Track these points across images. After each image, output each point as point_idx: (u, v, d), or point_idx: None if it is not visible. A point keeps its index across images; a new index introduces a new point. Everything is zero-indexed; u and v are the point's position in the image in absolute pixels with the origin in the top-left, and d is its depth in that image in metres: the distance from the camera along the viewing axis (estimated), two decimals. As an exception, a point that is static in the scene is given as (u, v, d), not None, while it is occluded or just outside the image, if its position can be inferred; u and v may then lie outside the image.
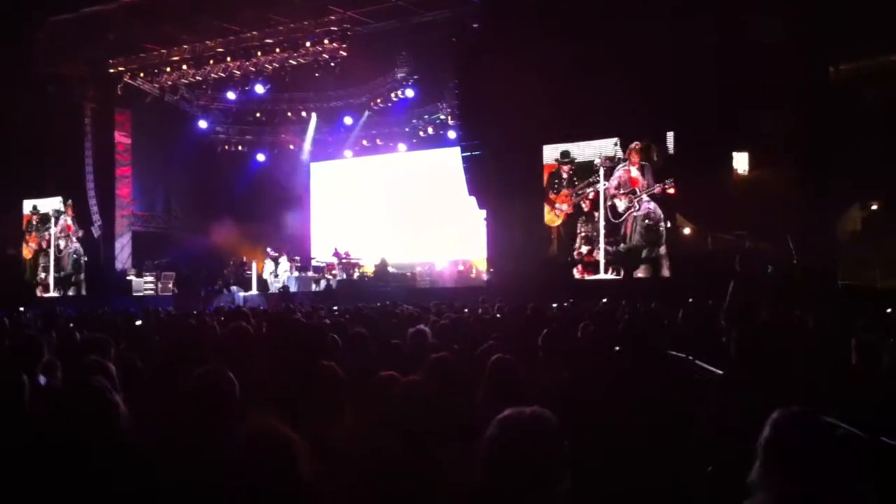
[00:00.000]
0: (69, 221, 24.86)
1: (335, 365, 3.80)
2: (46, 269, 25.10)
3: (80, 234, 24.61)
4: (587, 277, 18.56)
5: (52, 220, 25.21)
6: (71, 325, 10.04)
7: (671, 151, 17.70)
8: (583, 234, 18.68)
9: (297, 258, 24.69)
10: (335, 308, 13.58)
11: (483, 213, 20.21)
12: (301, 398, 3.58)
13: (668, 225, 17.80)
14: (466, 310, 11.27)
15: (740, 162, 17.44)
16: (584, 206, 18.73)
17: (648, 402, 4.28)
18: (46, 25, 20.78)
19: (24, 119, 21.56)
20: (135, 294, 23.02)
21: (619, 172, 18.26)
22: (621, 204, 18.24)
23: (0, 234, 25.56)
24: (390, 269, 22.63)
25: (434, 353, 4.54)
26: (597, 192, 18.55)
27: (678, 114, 16.84)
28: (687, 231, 18.16)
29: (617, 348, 5.76)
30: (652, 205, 17.93)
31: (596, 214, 18.56)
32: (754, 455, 2.49)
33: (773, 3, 15.81)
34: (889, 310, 8.35)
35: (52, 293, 24.79)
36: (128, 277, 23.84)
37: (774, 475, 2.42)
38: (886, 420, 3.48)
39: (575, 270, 18.70)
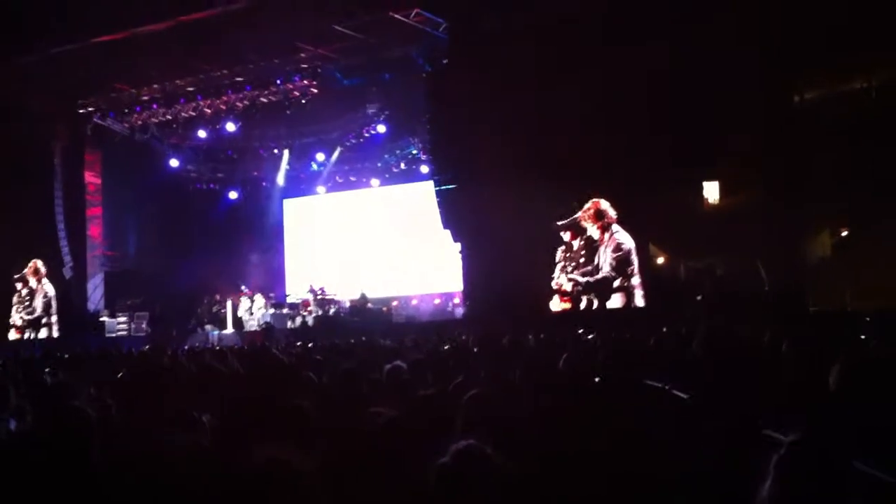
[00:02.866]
0: (39, 263, 24.55)
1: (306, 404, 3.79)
2: (18, 311, 24.72)
3: (51, 275, 24.31)
4: (563, 307, 18.57)
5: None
6: (47, 369, 9.87)
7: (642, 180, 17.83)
8: (561, 264, 18.72)
9: (272, 295, 24.57)
10: (310, 344, 13.51)
11: (458, 246, 20.22)
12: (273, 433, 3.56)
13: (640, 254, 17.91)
14: (447, 347, 11.19)
15: (710, 190, 17.62)
16: (563, 235, 18.75)
17: (629, 431, 4.27)
18: (15, 65, 20.66)
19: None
20: (108, 335, 22.75)
21: (589, 204, 18.36)
22: (594, 233, 18.32)
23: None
24: (368, 305, 22.56)
25: (411, 388, 4.53)
26: (574, 221, 18.60)
27: (650, 143, 16.95)
28: (660, 260, 18.29)
29: (597, 379, 5.76)
30: (624, 234, 18.03)
31: (574, 244, 18.61)
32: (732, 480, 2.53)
33: (735, 32, 16.06)
34: (863, 336, 8.41)
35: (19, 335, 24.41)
36: (100, 318, 23.57)
37: (785, 495, 2.46)
38: (868, 442, 3.49)
39: (552, 303, 18.70)
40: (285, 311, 23.62)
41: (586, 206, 18.36)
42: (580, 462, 3.64)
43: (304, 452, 3.38)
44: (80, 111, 23.72)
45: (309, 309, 23.26)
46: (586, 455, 3.74)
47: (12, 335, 24.41)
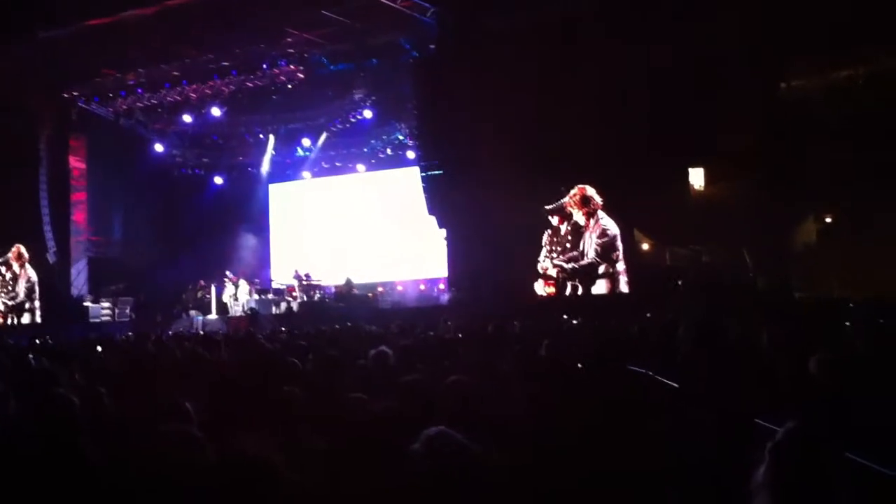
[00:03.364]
0: (22, 248, 24.40)
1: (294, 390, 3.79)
2: (1, 296, 24.57)
3: (34, 259, 24.16)
4: (548, 291, 18.61)
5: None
6: (31, 355, 9.81)
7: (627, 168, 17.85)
8: (546, 248, 18.75)
9: (257, 281, 24.51)
10: (295, 331, 13.48)
11: (443, 231, 20.22)
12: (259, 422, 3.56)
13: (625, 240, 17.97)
14: (432, 333, 11.20)
15: (696, 177, 17.67)
16: (552, 219, 18.77)
17: (614, 418, 4.29)
18: (3, 51, 20.46)
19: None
20: (91, 320, 22.63)
21: (575, 190, 18.39)
22: (580, 219, 18.36)
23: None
24: (354, 291, 22.53)
25: (397, 375, 4.54)
26: (560, 206, 18.63)
27: (636, 131, 16.95)
28: (645, 246, 18.34)
29: (580, 364, 5.78)
30: (609, 220, 18.07)
31: (561, 228, 18.65)
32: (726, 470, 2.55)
33: (723, 22, 16.06)
34: (847, 323, 8.47)
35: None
36: (84, 304, 23.45)
37: (779, 481, 2.49)
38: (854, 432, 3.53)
39: (537, 286, 18.74)
40: (270, 296, 23.58)
41: (572, 191, 18.40)
42: (560, 448, 3.65)
43: (287, 441, 3.39)
44: (65, 96, 23.52)
45: (294, 295, 23.21)
46: (568, 441, 3.76)
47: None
